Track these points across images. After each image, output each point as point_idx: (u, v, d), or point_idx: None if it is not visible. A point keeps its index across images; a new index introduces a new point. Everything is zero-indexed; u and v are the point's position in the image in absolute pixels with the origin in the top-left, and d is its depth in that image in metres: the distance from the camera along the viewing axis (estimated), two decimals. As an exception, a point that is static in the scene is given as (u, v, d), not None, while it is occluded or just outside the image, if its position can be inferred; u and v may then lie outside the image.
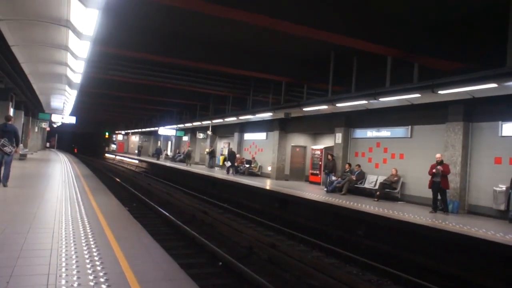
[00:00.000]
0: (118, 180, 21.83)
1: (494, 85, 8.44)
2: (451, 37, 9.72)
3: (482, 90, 9.05)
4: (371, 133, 15.39)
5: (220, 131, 28.32)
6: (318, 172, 18.40)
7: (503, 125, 10.82)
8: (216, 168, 27.06)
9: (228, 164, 22.65)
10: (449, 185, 11.08)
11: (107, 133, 65.10)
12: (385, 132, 14.75)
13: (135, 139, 57.24)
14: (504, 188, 10.33)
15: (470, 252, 7.96)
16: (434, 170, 10.95)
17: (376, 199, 13.08)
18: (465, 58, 9.87)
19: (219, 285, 6.47)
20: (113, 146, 65.01)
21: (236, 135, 25.80)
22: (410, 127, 13.67)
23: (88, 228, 6.02)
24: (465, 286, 7.28)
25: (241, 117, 20.06)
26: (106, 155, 59.64)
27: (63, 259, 4.41)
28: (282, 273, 7.30)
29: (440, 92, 9.64)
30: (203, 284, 6.03)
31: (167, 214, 11.74)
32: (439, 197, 11.13)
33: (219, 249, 8.04)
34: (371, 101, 11.90)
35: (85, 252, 4.76)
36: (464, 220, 9.89)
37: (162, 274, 4.32)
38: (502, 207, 10.38)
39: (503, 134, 10.83)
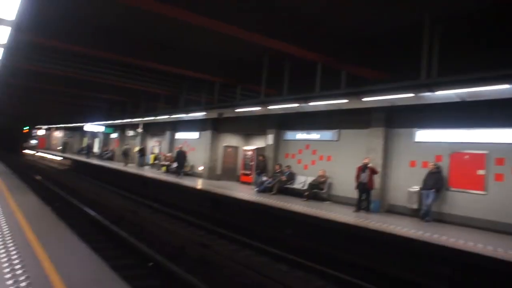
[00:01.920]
0: (39, 178, 20.35)
1: (411, 94, 9.23)
2: (376, 49, 10.45)
3: (401, 99, 9.85)
4: (301, 135, 15.98)
5: (152, 129, 27.58)
6: (249, 172, 18.69)
7: (417, 132, 11.88)
8: (146, 167, 26.32)
9: (175, 165, 21.06)
10: (374, 185, 11.93)
11: (26, 128, 60.20)
12: (314, 135, 15.41)
13: (58, 134, 53.64)
14: (417, 189, 11.34)
15: (386, 246, 8.64)
16: (362, 173, 11.82)
17: (305, 199, 13.63)
18: (387, 69, 10.67)
19: (150, 285, 6.37)
20: (33, 142, 60.28)
21: (167, 133, 25.30)
22: (338, 130, 14.43)
23: (5, 229, 5.62)
24: (383, 277, 7.89)
25: (173, 116, 19.72)
26: (25, 151, 55.13)
27: (-22, 263, 4.10)
28: (213, 272, 7.36)
29: (365, 99, 10.33)
30: (134, 285, 5.88)
31: (94, 214, 11.23)
32: (363, 197, 11.94)
33: (149, 249, 7.89)
34: (302, 105, 12.36)
35: (3, 255, 4.45)
36: (384, 218, 10.70)
37: (91, 275, 4.19)
38: (415, 206, 11.39)
39: (417, 140, 11.89)
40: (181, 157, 20.57)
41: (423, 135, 11.75)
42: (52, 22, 10.45)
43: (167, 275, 6.75)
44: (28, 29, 9.65)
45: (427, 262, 8.03)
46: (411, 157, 11.98)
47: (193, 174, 22.11)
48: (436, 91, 8.46)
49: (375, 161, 12.42)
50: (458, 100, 9.04)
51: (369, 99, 10.29)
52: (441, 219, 10.87)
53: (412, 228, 9.44)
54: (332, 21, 9.63)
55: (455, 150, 10.92)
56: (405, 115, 12.08)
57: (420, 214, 11.07)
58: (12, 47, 11.03)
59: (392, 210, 12.25)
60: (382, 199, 12.41)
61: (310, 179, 14.65)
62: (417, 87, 8.78)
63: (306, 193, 13.85)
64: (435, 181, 10.71)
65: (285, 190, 15.20)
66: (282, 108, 13.54)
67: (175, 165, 21.25)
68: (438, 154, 11.25)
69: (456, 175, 10.85)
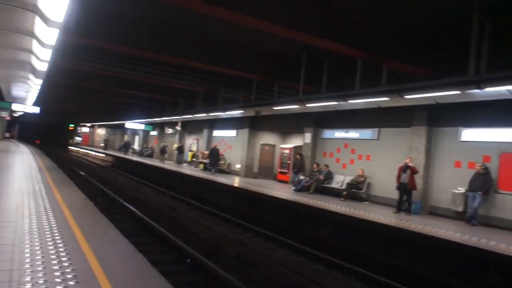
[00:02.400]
0: (83, 173, 21.20)
1: (457, 92, 8.81)
2: (420, 44, 10.06)
3: (445, 96, 9.42)
4: (339, 134, 15.70)
5: (190, 127, 28.05)
6: (286, 171, 18.59)
7: (463, 131, 11.34)
8: (185, 164, 26.81)
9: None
10: (416, 186, 11.50)
11: (72, 125, 62.99)
12: (353, 134, 15.09)
13: (101, 132, 55.72)
14: (462, 191, 10.83)
15: (429, 250, 8.31)
16: (403, 173, 11.41)
17: (343, 199, 13.38)
18: (432, 65, 10.24)
19: (187, 282, 6.44)
20: (78, 139, 62.96)
21: (205, 131, 25.63)
22: (377, 129, 14.05)
23: (53, 222, 5.85)
24: (424, 282, 7.60)
25: (211, 114, 19.94)
26: (70, 148, 57.71)
27: (27, 255, 4.28)
28: (250, 270, 7.35)
29: (407, 96, 9.97)
30: (171, 281, 5.97)
31: (134, 209, 11.54)
32: (404, 198, 11.55)
33: (187, 246, 7.99)
34: (340, 103, 12.13)
35: (51, 247, 4.63)
36: (426, 221, 10.30)
37: (132, 270, 4.28)
38: (460, 208, 10.88)
39: (462, 139, 11.35)
40: (214, 154, 21.01)
41: (470, 134, 11.20)
42: (97, 23, 10.82)
43: (204, 272, 6.81)
44: (74, 30, 10.04)
45: (472, 267, 7.64)
46: (456, 157, 11.46)
47: (230, 172, 22.27)
48: (485, 88, 8.01)
49: (417, 161, 11.98)
50: (511, 97, 8.52)
51: (412, 97, 9.92)
52: (489, 223, 10.32)
53: (457, 231, 9.01)
54: (372, 15, 9.36)
55: (506, 150, 10.32)
56: (450, 113, 11.56)
57: (465, 217, 10.56)
58: (60, 48, 11.56)
59: (435, 212, 11.78)
60: (424, 201, 11.95)
61: (348, 179, 14.36)
62: (464, 84, 8.35)
63: (344, 193, 13.59)
64: (483, 183, 10.16)
65: (322, 189, 15.00)
66: (320, 106, 13.34)
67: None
68: (486, 155, 10.68)
69: (507, 177, 10.25)
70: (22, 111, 30.45)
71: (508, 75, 7.56)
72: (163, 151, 28.59)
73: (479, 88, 8.08)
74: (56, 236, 5.14)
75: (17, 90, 24.15)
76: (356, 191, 13.76)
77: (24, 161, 17.15)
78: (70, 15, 7.75)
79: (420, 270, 7.94)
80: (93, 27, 10.81)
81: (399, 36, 9.92)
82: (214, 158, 21.00)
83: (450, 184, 11.33)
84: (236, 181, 17.58)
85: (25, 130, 65.39)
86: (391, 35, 9.90)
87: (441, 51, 10.19)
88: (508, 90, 8.08)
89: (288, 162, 18.43)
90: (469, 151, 11.13)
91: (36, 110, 28.11)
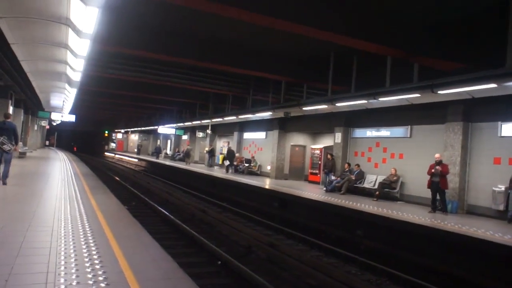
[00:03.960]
0: (117, 179, 21.82)
1: (493, 85, 8.44)
2: (450, 37, 9.72)
3: (481, 90, 9.05)
4: (370, 132, 15.40)
5: (220, 130, 28.31)
6: (317, 171, 18.40)
7: (503, 125, 10.82)
8: (216, 167, 27.05)
9: (227, 163, 22.74)
10: (448, 185, 11.07)
11: (106, 132, 65.06)
12: (384, 132, 14.76)
13: (134, 137, 57.21)
14: (503, 189, 10.33)
15: (468, 252, 7.97)
16: (433, 170, 10.95)
17: (375, 199, 13.09)
18: (464, 58, 9.87)
19: (218, 284, 6.48)
20: (113, 145, 64.96)
21: (235, 134, 25.81)
22: (409, 127, 13.67)
23: (87, 227, 6.02)
24: (463, 285, 7.30)
25: (240, 116, 20.06)
26: (106, 153, 59.59)
27: (62, 258, 4.41)
28: (281, 272, 7.30)
29: (440, 92, 9.64)
30: (202, 283, 6.03)
31: (166, 213, 11.74)
32: (438, 197, 11.14)
33: (218, 248, 8.04)
34: (370, 101, 11.90)
35: (84, 250, 4.76)
36: (463, 220, 9.90)
37: (161, 272, 4.33)
38: (501, 207, 10.38)
39: (502, 135, 10.84)
40: (230, 154, 23.02)
41: (510, 128, 10.67)
42: (126, 32, 11.14)
43: (235, 274, 6.82)
44: (104, 40, 10.39)
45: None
46: (495, 153, 10.95)
47: (261, 174, 22.31)
48: (525, 80, 7.63)
49: (453, 158, 11.57)
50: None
51: (446, 92, 9.59)
52: (533, 222, 9.81)
53: (498, 231, 8.60)
54: (403, 11, 9.13)
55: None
56: (487, 107, 11.07)
57: (508, 216, 10.06)
58: (91, 58, 11.96)
59: (473, 212, 11.31)
60: (461, 199, 11.50)
61: (380, 178, 14.04)
62: (502, 77, 7.99)
63: (377, 193, 13.28)
64: (525, 180, 9.66)
65: (354, 189, 14.74)
66: (350, 105, 13.14)
67: (227, 162, 22.66)
68: (528, 150, 10.16)
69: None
70: (59, 120, 31.76)
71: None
72: (187, 154, 29.78)
73: (517, 80, 7.72)
74: (90, 239, 5.28)
75: (55, 100, 25.20)
76: (389, 190, 13.44)
77: (61, 168, 17.83)
78: (100, 26, 8.01)
79: (459, 272, 7.63)
80: (123, 35, 11.13)
81: (430, 31, 9.62)
82: (230, 158, 22.78)
83: (489, 181, 10.84)
84: (266, 183, 17.56)
85: (63, 138, 68.09)
86: (422, 30, 9.62)
87: (475, 44, 9.80)
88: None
89: (319, 162, 18.25)
90: (510, 146, 10.61)
91: (72, 118, 29.27)
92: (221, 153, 28.92)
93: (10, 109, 18.70)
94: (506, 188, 10.22)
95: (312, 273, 6.99)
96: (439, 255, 8.38)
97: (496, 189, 10.51)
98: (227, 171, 22.39)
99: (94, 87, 19.65)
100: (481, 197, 11.16)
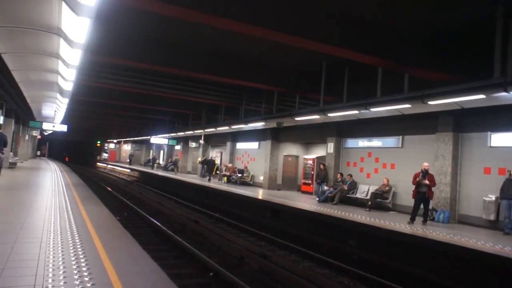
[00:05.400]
0: (109, 189, 21.63)
1: (482, 96, 8.55)
2: (440, 49, 9.85)
3: (471, 101, 9.16)
4: (362, 143, 15.47)
5: (213, 140, 28.28)
6: (310, 181, 18.40)
7: (492, 136, 10.94)
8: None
9: (204, 169, 24.90)
10: (432, 195, 11.02)
11: (98, 142, 64.63)
12: (376, 142, 14.84)
13: (127, 147, 56.87)
14: (493, 198, 10.40)
15: (460, 262, 7.99)
16: (418, 179, 10.86)
17: (367, 209, 13.10)
18: (453, 69, 9.99)
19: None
20: (105, 155, 64.50)
21: (228, 144, 25.78)
22: (401, 137, 13.76)
23: (77, 238, 5.95)
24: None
25: (233, 126, 20.06)
26: (98, 163, 59.14)
27: (50, 270, 4.34)
28: (273, 284, 7.25)
29: (430, 102, 9.73)
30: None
31: (158, 223, 11.64)
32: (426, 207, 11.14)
33: (210, 259, 7.97)
34: (362, 111, 11.97)
35: (73, 262, 4.70)
36: (454, 230, 9.94)
37: (151, 284, 4.28)
38: (492, 217, 10.44)
39: (492, 145, 10.95)
40: (210, 164, 25.28)
41: (499, 139, 10.79)
42: (117, 42, 11.13)
43: (227, 285, 6.75)
44: (96, 50, 10.37)
45: (507, 280, 7.29)
46: (485, 163, 11.05)
47: (254, 184, 22.26)
48: (513, 90, 7.73)
49: (443, 168, 11.65)
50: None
51: (435, 103, 9.68)
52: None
53: (489, 241, 8.63)
54: (393, 23, 9.25)
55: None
56: (477, 118, 11.21)
57: (498, 226, 10.11)
58: (83, 68, 11.93)
59: (465, 221, 11.36)
60: (453, 209, 11.55)
61: (373, 188, 14.07)
62: (490, 87, 8.09)
63: (369, 203, 13.30)
64: (516, 189, 9.72)
65: (347, 199, 14.75)
66: (342, 115, 13.22)
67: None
68: (517, 160, 10.26)
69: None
70: (51, 130, 31.51)
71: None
72: (175, 164, 31.21)
73: (505, 91, 7.82)
74: (79, 251, 5.21)
75: (47, 110, 25.03)
76: (381, 200, 13.46)
77: (52, 178, 17.65)
78: (92, 36, 8.00)
79: (451, 283, 7.63)
80: (115, 46, 11.12)
81: (420, 42, 9.75)
82: (209, 167, 24.91)
83: (480, 191, 10.92)
84: (259, 193, 17.52)
85: (55, 148, 67.50)
86: (412, 41, 9.74)
87: (465, 56, 9.94)
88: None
89: (312, 172, 18.26)
90: (499, 156, 10.72)
91: (64, 128, 29.09)
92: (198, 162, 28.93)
93: (1, 119, 18.52)
94: (496, 198, 10.29)
95: (305, 284, 6.94)
96: (431, 265, 8.38)
97: (487, 199, 10.58)
98: (206, 178, 24.09)
99: (86, 96, 19.55)
100: (472, 207, 11.22)
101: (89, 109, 26.86)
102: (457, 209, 11.62)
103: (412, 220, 10.82)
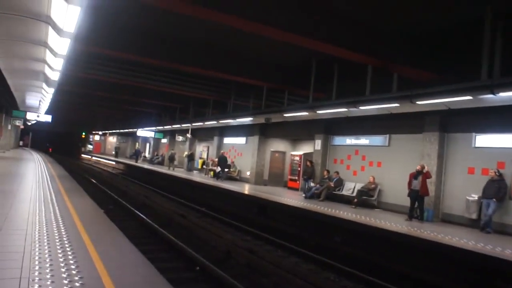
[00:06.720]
0: (94, 181, 21.37)
1: (469, 97, 8.69)
2: (429, 49, 9.98)
3: (457, 102, 9.30)
4: (350, 140, 15.59)
5: (200, 134, 28.15)
6: (297, 178, 18.48)
7: (477, 137, 11.16)
8: (195, 172, 26.85)
9: (218, 169, 21.60)
10: (428, 191, 11.31)
11: (83, 133, 63.74)
12: (363, 140, 14.97)
13: (112, 139, 56.25)
14: (476, 198, 10.62)
15: (443, 259, 8.14)
16: (413, 179, 11.25)
17: (353, 206, 13.23)
18: (440, 70, 10.14)
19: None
20: (90, 147, 63.66)
21: (215, 138, 25.69)
22: (388, 135, 13.92)
23: (63, 230, 5.87)
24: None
25: (221, 121, 19.99)
26: (82, 155, 58.33)
27: (36, 262, 4.28)
28: (260, 278, 7.28)
29: (418, 102, 9.86)
30: (180, 289, 5.94)
31: (144, 217, 11.55)
32: (416, 205, 11.36)
33: (197, 253, 7.95)
34: (351, 109, 12.06)
35: (60, 255, 4.64)
36: (439, 228, 10.12)
37: (140, 278, 4.25)
38: (474, 216, 10.66)
39: (476, 145, 11.17)
40: (222, 161, 21.53)
41: (484, 140, 11.02)
42: (108, 33, 10.97)
43: (213, 280, 6.75)
44: (85, 40, 10.19)
45: (487, 276, 7.46)
46: (469, 164, 11.26)
47: (240, 179, 22.25)
48: (499, 92, 7.88)
49: (429, 167, 11.81)
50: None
51: (423, 103, 9.81)
52: (504, 230, 10.10)
53: (471, 239, 8.82)
54: (383, 22, 9.33)
55: (520, 157, 10.13)
56: (462, 118, 11.40)
57: (479, 224, 10.34)
58: (71, 57, 11.71)
59: (448, 220, 11.57)
60: (436, 208, 11.76)
61: (359, 186, 14.22)
62: (477, 89, 8.25)
63: (355, 200, 13.44)
64: (497, 190, 9.93)
65: (333, 196, 14.86)
66: (330, 112, 13.28)
67: (218, 169, 21.59)
68: (500, 161, 10.47)
69: (521, 184, 10.04)
70: (35, 120, 30.94)
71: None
72: (171, 158, 28.88)
73: (492, 93, 7.97)
74: (66, 243, 5.15)
75: (31, 99, 24.54)
76: (367, 198, 13.61)
77: (36, 169, 17.36)
78: (82, 25, 7.86)
79: (433, 279, 7.77)
80: (104, 36, 10.96)
81: (410, 42, 9.86)
82: (222, 165, 21.39)
83: (464, 191, 11.13)
84: (246, 188, 17.53)
85: (38, 139, 66.27)
86: (402, 41, 9.84)
87: (453, 56, 10.09)
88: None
89: (299, 169, 18.33)
90: (483, 157, 10.93)
91: (48, 118, 28.56)
92: (200, 158, 28.69)
93: (-17, 107, 18.10)
94: (479, 198, 10.51)
95: (291, 279, 6.99)
96: (415, 262, 8.52)
97: (470, 198, 10.80)
98: (217, 178, 21.27)
99: (72, 87, 19.25)
100: (455, 205, 11.44)
101: (75, 100, 26.46)
102: (440, 208, 11.83)
103: (410, 217, 11.22)
